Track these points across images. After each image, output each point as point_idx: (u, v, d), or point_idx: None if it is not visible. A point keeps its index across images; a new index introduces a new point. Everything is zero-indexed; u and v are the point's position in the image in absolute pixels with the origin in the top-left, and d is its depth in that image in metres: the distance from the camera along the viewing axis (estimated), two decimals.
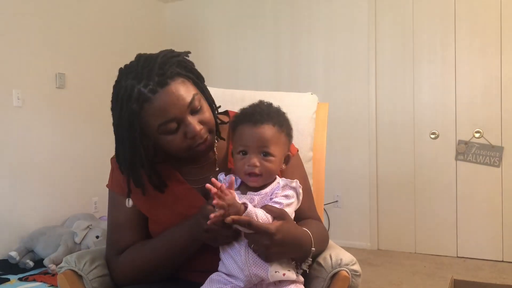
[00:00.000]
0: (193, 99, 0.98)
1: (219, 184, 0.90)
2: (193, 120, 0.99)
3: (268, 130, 1.00)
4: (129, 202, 1.06)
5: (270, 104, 1.06)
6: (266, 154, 0.99)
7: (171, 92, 0.96)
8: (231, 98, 1.49)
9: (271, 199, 0.99)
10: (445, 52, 3.53)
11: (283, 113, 1.06)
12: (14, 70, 3.18)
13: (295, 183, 1.02)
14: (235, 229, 0.94)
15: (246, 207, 0.92)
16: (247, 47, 4.28)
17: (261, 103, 1.06)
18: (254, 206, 0.96)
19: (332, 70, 3.93)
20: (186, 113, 0.98)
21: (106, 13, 3.96)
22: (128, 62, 1.03)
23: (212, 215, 0.89)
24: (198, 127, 0.99)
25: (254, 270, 0.93)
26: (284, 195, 0.99)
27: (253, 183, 1.00)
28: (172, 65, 0.98)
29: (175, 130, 0.98)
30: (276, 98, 1.35)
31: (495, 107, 3.39)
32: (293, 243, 0.96)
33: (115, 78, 1.01)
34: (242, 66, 4.30)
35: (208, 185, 0.89)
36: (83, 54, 3.71)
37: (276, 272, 0.94)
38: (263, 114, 1.01)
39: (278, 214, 0.95)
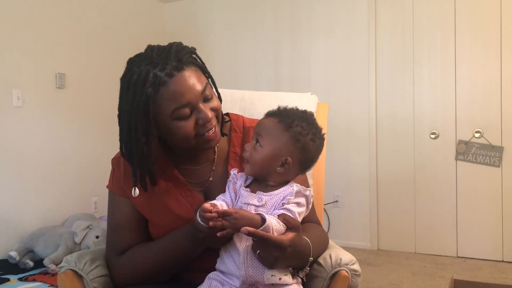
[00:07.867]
0: (205, 87, 1.01)
1: (216, 210, 0.89)
2: (205, 107, 1.00)
3: (268, 121, 1.02)
4: (135, 192, 1.05)
5: (302, 110, 1.05)
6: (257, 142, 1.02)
7: (187, 77, 0.98)
8: (230, 98, 1.49)
9: (283, 204, 0.97)
10: (445, 52, 3.53)
11: (304, 118, 1.02)
12: (14, 70, 3.18)
13: (309, 191, 1.00)
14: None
15: (263, 219, 0.90)
16: (247, 47, 4.28)
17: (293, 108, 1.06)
18: (262, 205, 0.96)
19: (332, 70, 3.93)
20: (200, 99, 1.00)
21: (106, 13, 3.96)
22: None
23: (211, 223, 0.88)
24: (210, 113, 1.01)
25: (251, 271, 0.93)
26: (296, 202, 0.98)
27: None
28: (186, 53, 1.01)
29: (188, 116, 0.99)
30: (276, 98, 1.35)
31: (495, 107, 3.39)
32: (297, 255, 0.96)
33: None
34: (242, 66, 4.30)
35: (205, 207, 0.90)
36: (83, 54, 3.71)
37: (272, 276, 0.94)
38: (281, 111, 1.04)
39: (293, 226, 0.94)
